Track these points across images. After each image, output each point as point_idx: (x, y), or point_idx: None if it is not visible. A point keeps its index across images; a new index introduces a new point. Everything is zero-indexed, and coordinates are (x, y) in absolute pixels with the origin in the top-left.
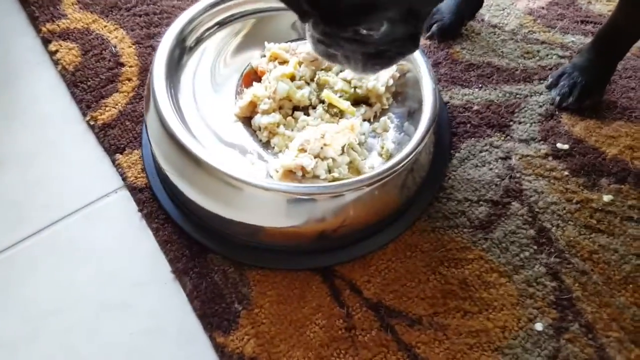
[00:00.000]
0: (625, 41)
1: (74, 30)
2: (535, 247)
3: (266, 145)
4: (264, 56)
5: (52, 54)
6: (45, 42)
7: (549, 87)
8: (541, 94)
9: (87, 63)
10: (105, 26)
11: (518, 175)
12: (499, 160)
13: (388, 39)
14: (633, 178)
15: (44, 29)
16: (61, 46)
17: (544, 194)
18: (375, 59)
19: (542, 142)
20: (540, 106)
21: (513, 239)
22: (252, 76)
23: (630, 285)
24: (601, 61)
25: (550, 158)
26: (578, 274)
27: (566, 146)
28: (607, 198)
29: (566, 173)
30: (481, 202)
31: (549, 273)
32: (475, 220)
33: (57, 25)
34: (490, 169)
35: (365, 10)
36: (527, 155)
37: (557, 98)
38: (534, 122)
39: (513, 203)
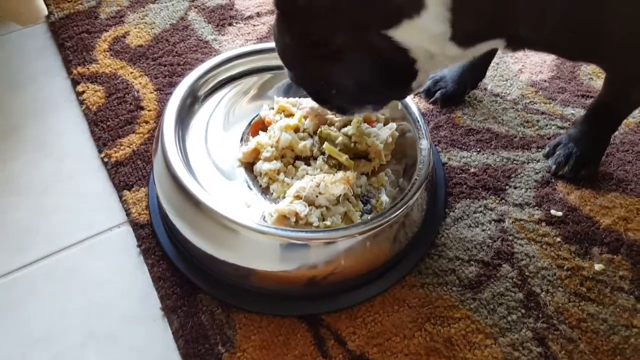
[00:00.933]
0: (614, 117)
1: (102, 74)
2: (523, 311)
3: (265, 190)
4: (272, 108)
5: (79, 94)
6: (75, 83)
7: (546, 156)
8: (538, 161)
9: (110, 104)
10: (131, 72)
11: (510, 238)
12: (493, 222)
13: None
14: (626, 249)
15: (75, 71)
16: (88, 87)
17: (535, 259)
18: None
19: (536, 207)
20: (537, 173)
21: (501, 300)
22: (260, 125)
23: (618, 357)
24: (594, 134)
25: (543, 224)
26: (565, 341)
27: (560, 213)
28: (598, 267)
29: (558, 239)
30: (472, 262)
31: (535, 338)
32: (465, 279)
33: (87, 68)
34: (483, 230)
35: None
36: (521, 220)
37: (553, 167)
38: (530, 188)
39: (503, 265)
